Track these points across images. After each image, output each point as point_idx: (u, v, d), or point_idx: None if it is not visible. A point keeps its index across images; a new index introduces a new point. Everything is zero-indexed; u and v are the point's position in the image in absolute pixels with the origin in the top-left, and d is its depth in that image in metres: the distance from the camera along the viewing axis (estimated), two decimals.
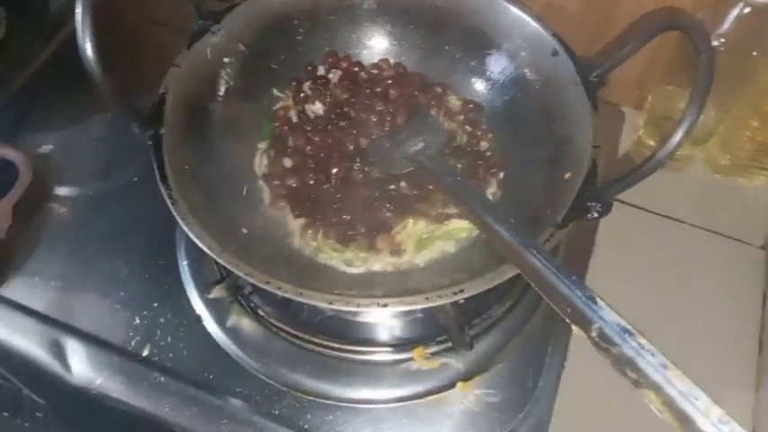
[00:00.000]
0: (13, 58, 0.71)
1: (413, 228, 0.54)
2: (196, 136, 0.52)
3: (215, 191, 0.51)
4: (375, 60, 0.63)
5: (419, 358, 0.53)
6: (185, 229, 0.44)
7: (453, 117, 0.60)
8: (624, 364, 0.34)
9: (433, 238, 0.54)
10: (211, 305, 0.56)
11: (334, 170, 0.56)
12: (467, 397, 0.52)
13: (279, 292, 0.42)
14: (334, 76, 0.61)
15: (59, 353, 0.54)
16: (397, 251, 0.53)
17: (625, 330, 0.35)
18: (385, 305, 0.41)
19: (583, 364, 0.54)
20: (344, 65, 0.62)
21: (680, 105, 0.62)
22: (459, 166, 0.57)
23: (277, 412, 0.52)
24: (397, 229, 0.54)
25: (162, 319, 0.55)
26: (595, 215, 0.44)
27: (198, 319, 0.55)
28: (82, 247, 0.60)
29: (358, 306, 0.41)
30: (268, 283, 0.42)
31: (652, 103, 0.67)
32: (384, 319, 0.56)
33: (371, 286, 0.52)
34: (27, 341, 0.55)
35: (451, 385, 0.52)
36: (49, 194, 0.63)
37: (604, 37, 0.63)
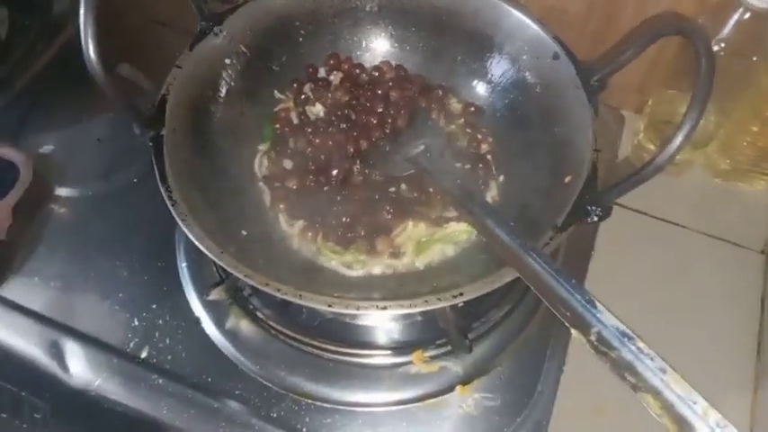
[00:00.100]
0: (16, 58, 0.71)
1: (412, 230, 0.54)
2: (197, 137, 0.52)
3: (215, 192, 0.51)
4: (376, 62, 0.63)
5: (418, 361, 0.53)
6: (185, 230, 0.44)
7: (454, 120, 0.60)
8: (623, 369, 0.34)
9: (432, 241, 0.54)
10: (210, 307, 0.56)
11: (335, 172, 0.56)
12: (465, 401, 0.52)
13: (278, 294, 0.42)
14: (336, 77, 0.61)
15: (58, 354, 0.54)
16: (396, 254, 0.53)
17: (624, 334, 0.35)
18: (384, 308, 0.41)
19: (581, 368, 0.54)
20: (346, 67, 0.62)
21: (680, 109, 0.62)
22: (460, 168, 0.57)
23: (275, 415, 0.52)
24: (397, 231, 0.54)
25: (161, 321, 0.56)
26: (595, 219, 0.44)
27: (197, 320, 0.55)
28: (82, 247, 0.60)
29: (357, 309, 0.41)
30: (267, 285, 0.42)
31: (652, 107, 0.67)
32: (383, 322, 0.56)
33: (371, 289, 0.51)
34: (26, 342, 0.55)
35: (450, 389, 0.52)
36: (50, 195, 0.63)
37: (606, 41, 0.63)
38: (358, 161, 0.56)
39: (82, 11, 0.41)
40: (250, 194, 0.56)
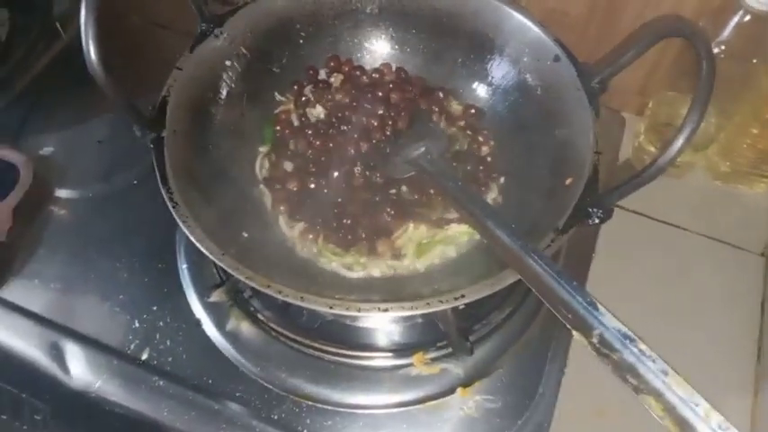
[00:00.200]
0: (16, 59, 0.71)
1: (413, 232, 0.54)
2: (197, 139, 0.52)
3: (216, 194, 0.51)
4: (377, 65, 0.63)
5: (419, 363, 0.53)
6: (186, 232, 0.44)
7: (454, 122, 0.60)
8: (625, 371, 0.34)
9: (433, 243, 0.54)
10: (211, 309, 0.56)
11: (335, 174, 0.56)
12: (466, 403, 0.52)
13: (279, 296, 0.42)
14: (336, 80, 0.61)
15: (59, 355, 0.54)
16: (397, 255, 0.53)
17: (626, 336, 0.34)
18: (386, 310, 0.41)
19: (583, 370, 0.54)
20: (346, 69, 0.62)
21: (681, 112, 0.62)
22: (460, 170, 0.57)
23: (276, 417, 0.51)
24: (398, 233, 0.54)
25: (161, 323, 0.55)
26: (597, 221, 0.44)
27: (197, 322, 0.55)
28: (82, 249, 0.60)
29: (359, 311, 0.41)
30: (269, 286, 0.42)
31: (653, 110, 0.67)
32: (384, 324, 0.56)
33: (372, 291, 0.51)
34: (26, 343, 0.55)
35: (451, 391, 0.52)
36: (50, 196, 0.63)
37: (607, 43, 0.63)
38: (358, 163, 0.56)
39: (83, 12, 0.41)
40: (251, 196, 0.56)
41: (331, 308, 0.41)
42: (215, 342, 0.54)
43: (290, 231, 0.55)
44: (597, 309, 0.36)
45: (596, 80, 0.51)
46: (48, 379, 0.54)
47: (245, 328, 0.55)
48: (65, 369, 0.53)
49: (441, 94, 0.61)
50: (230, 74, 0.56)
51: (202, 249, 0.43)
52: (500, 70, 0.59)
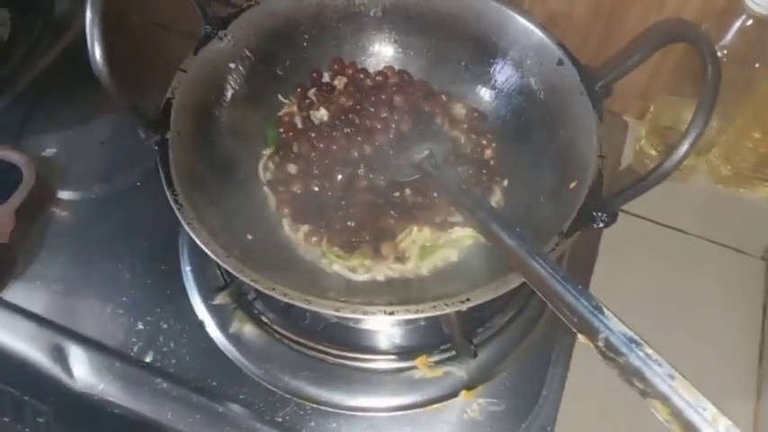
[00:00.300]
0: (18, 59, 0.71)
1: (417, 235, 0.54)
2: (202, 141, 0.52)
3: (220, 196, 0.51)
4: (380, 67, 0.63)
5: (422, 366, 0.53)
6: (191, 234, 0.44)
7: (458, 125, 0.60)
8: (631, 374, 0.34)
9: (436, 246, 0.54)
10: (214, 311, 0.56)
11: (339, 177, 0.56)
12: (470, 406, 0.52)
13: (285, 299, 0.42)
14: (340, 82, 0.61)
15: (61, 357, 0.54)
16: (401, 258, 0.53)
17: (632, 340, 0.35)
18: (392, 313, 0.41)
19: (586, 373, 0.54)
20: (350, 72, 0.62)
21: (683, 115, 0.63)
22: (463, 174, 0.57)
23: (279, 419, 0.51)
24: (402, 236, 0.54)
25: (165, 325, 0.55)
26: (601, 225, 0.44)
27: (201, 324, 0.55)
28: (85, 251, 0.60)
29: (364, 314, 0.41)
30: (274, 289, 0.42)
31: (654, 113, 0.67)
32: (387, 326, 0.56)
33: (376, 293, 0.52)
34: (28, 345, 0.55)
35: (455, 394, 0.52)
36: (53, 198, 0.63)
37: (610, 46, 0.64)
38: (362, 166, 0.56)
39: (88, 13, 0.41)
40: (255, 199, 0.56)
41: (337, 311, 0.41)
42: (218, 344, 0.54)
43: (294, 234, 0.55)
44: (603, 312, 0.37)
45: (600, 84, 0.51)
46: (50, 381, 0.54)
47: (249, 330, 0.55)
48: (68, 371, 0.53)
49: (444, 98, 0.61)
50: (234, 76, 0.56)
51: (207, 252, 0.43)
52: (503, 74, 0.59)
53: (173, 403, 0.52)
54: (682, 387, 0.32)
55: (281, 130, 0.59)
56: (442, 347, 0.53)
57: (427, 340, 0.54)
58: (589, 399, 0.53)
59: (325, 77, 0.62)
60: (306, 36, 0.60)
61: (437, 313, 0.41)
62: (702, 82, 0.39)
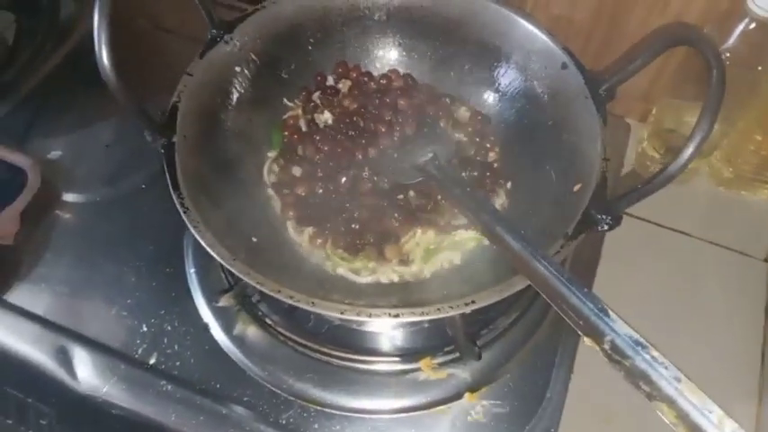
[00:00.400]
0: (23, 62, 0.71)
1: (421, 237, 0.54)
2: (207, 144, 0.52)
3: (225, 199, 0.51)
4: (384, 71, 0.63)
5: (426, 368, 0.53)
6: (198, 237, 0.44)
7: (461, 128, 0.60)
8: (637, 377, 0.34)
9: (440, 249, 0.54)
10: (218, 313, 0.56)
11: (343, 179, 0.56)
12: (474, 408, 0.52)
13: (290, 302, 0.42)
14: (344, 86, 0.61)
15: (65, 360, 0.54)
16: (405, 261, 0.53)
17: (638, 343, 0.35)
18: (397, 315, 0.41)
19: (590, 375, 0.54)
20: (354, 75, 0.62)
21: (685, 118, 0.63)
22: (468, 176, 0.57)
23: (283, 422, 0.51)
24: (406, 238, 0.54)
25: (169, 327, 0.55)
26: (606, 227, 0.45)
27: (205, 327, 0.55)
28: (89, 253, 0.60)
29: (370, 316, 0.41)
30: (280, 291, 0.42)
31: (656, 116, 0.67)
32: (391, 329, 0.56)
33: (380, 295, 0.52)
34: (32, 348, 0.55)
35: (459, 396, 0.52)
36: (57, 200, 0.63)
37: (612, 50, 0.64)
38: (366, 168, 0.56)
39: (96, 17, 0.41)
40: (260, 201, 0.56)
41: (342, 313, 0.41)
42: (222, 346, 0.54)
43: (298, 236, 0.55)
44: (608, 315, 0.37)
45: (604, 87, 0.51)
46: (54, 383, 0.54)
47: (253, 332, 0.55)
48: (72, 373, 0.53)
49: (447, 101, 0.61)
50: (240, 79, 0.56)
51: (214, 255, 0.43)
52: (507, 77, 0.59)
53: (177, 405, 0.52)
54: (688, 390, 0.32)
55: (286, 133, 0.60)
56: (446, 349, 0.53)
57: (431, 342, 0.54)
58: (593, 401, 0.53)
59: (330, 81, 0.62)
60: (311, 40, 0.61)
61: (442, 316, 0.41)
62: (707, 86, 0.40)
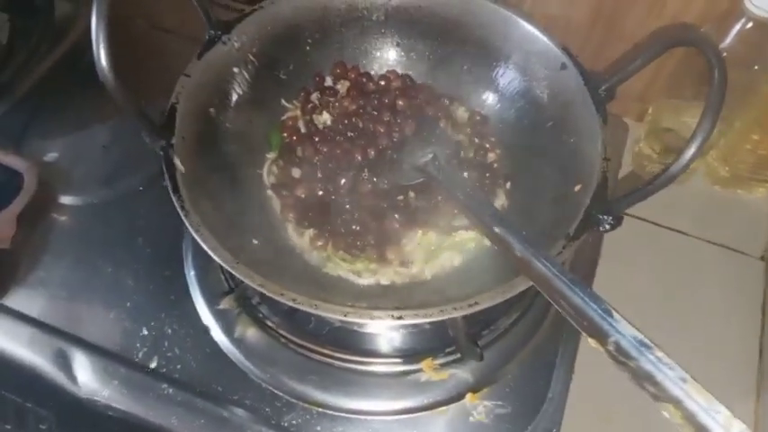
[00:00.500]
0: (18, 64, 0.71)
1: (422, 239, 0.54)
2: (206, 146, 0.52)
3: (224, 201, 0.50)
4: (383, 71, 0.63)
5: (428, 369, 0.53)
6: (199, 240, 0.43)
7: (461, 129, 0.60)
8: (642, 378, 0.34)
9: (441, 250, 0.54)
10: (219, 316, 0.56)
11: (343, 181, 0.56)
12: (476, 408, 0.52)
13: (293, 304, 0.41)
14: (342, 86, 0.61)
15: (65, 364, 0.54)
16: (406, 262, 0.53)
17: (642, 344, 0.35)
18: (400, 317, 0.41)
19: (591, 374, 0.54)
20: (352, 75, 0.62)
21: (681, 118, 0.64)
22: (467, 177, 0.57)
23: (285, 424, 0.51)
24: (406, 240, 0.54)
25: (169, 330, 0.55)
26: (607, 228, 0.45)
27: (205, 329, 0.55)
28: (87, 256, 0.59)
29: (372, 318, 0.41)
30: (282, 294, 0.42)
31: (653, 115, 0.67)
32: (393, 330, 0.56)
33: (381, 297, 0.52)
34: (31, 352, 0.54)
35: (460, 397, 0.52)
36: (54, 203, 0.62)
37: (610, 50, 0.64)
38: (366, 170, 0.56)
39: (93, 18, 0.40)
40: (259, 203, 0.56)
41: (345, 316, 0.41)
42: (223, 349, 0.54)
43: (298, 238, 0.55)
44: (612, 316, 0.37)
45: (603, 88, 0.51)
46: (53, 387, 0.53)
47: (254, 334, 0.55)
48: (71, 378, 0.53)
49: (446, 101, 0.61)
50: (238, 81, 0.56)
51: (215, 258, 0.43)
52: (506, 78, 0.59)
53: (178, 409, 0.52)
54: (694, 390, 0.32)
55: (285, 134, 0.59)
56: (447, 350, 0.53)
57: (432, 343, 0.54)
58: (594, 400, 0.53)
59: (328, 81, 0.62)
60: (309, 40, 0.60)
61: (445, 317, 0.41)
62: (709, 86, 0.40)
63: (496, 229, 0.45)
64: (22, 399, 0.55)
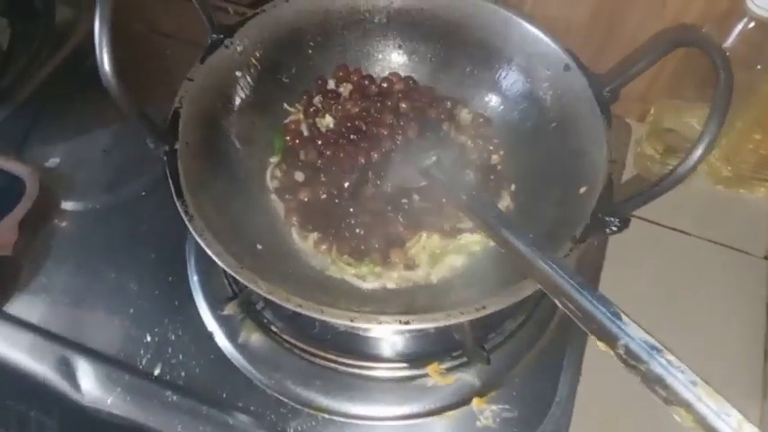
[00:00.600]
0: (19, 69, 0.70)
1: (426, 241, 0.54)
2: (209, 150, 0.52)
3: (228, 205, 0.50)
4: (385, 74, 0.63)
5: (434, 374, 0.53)
6: (204, 246, 0.43)
7: (464, 131, 0.60)
8: (653, 382, 0.34)
9: (446, 252, 0.54)
10: (223, 321, 0.55)
11: (346, 184, 0.56)
12: (483, 413, 0.52)
13: (299, 310, 0.41)
14: (345, 89, 0.61)
15: (68, 371, 0.53)
16: (410, 266, 0.53)
17: (652, 347, 0.35)
18: (407, 322, 0.41)
19: (598, 377, 0.54)
20: (355, 78, 0.62)
21: (683, 118, 0.64)
22: (472, 179, 0.57)
23: (291, 430, 0.51)
24: (411, 243, 0.54)
25: (173, 336, 0.55)
26: (614, 230, 0.44)
27: (210, 335, 0.55)
28: (90, 262, 0.59)
29: (380, 323, 0.41)
30: (288, 299, 0.42)
31: (655, 116, 0.67)
32: (398, 334, 0.55)
33: (386, 301, 0.51)
34: (33, 359, 0.54)
35: (467, 401, 0.52)
36: (56, 209, 0.62)
37: (610, 51, 0.64)
38: (369, 173, 0.56)
39: (97, 23, 0.40)
40: (263, 207, 0.55)
41: (352, 321, 0.41)
42: (227, 355, 0.54)
43: (302, 242, 0.54)
44: (621, 319, 0.37)
45: (607, 89, 0.51)
46: (56, 395, 0.53)
47: (258, 339, 0.55)
48: (75, 385, 0.53)
49: (449, 103, 0.61)
50: (241, 84, 0.56)
51: (220, 264, 0.43)
52: (509, 79, 0.59)
53: (182, 416, 0.51)
54: (705, 393, 0.32)
55: (288, 137, 0.59)
56: (454, 354, 0.53)
57: (438, 347, 0.54)
58: (602, 403, 0.53)
59: (331, 84, 0.62)
60: (311, 43, 0.60)
61: (453, 322, 0.41)
62: (715, 87, 0.39)
63: (502, 232, 0.45)
64: (25, 407, 0.54)
